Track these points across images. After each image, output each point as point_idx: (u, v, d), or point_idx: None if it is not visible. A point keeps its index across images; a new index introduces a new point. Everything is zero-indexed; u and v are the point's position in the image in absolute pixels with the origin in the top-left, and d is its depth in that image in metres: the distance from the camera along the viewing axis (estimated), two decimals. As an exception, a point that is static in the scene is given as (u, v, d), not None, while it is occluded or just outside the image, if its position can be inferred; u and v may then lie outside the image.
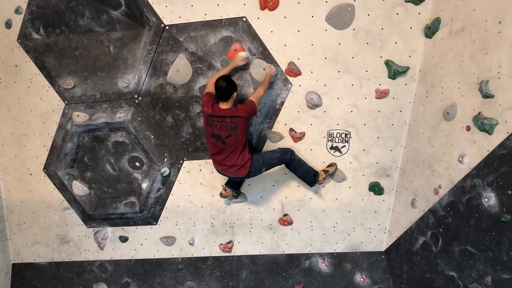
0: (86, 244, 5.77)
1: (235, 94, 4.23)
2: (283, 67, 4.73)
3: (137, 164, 5.29)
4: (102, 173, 5.40)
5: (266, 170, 4.62)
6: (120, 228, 5.63)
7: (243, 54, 4.60)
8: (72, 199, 5.53)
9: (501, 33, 3.33)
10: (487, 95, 3.47)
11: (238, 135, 4.24)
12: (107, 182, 5.45)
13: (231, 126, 4.19)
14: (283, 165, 4.75)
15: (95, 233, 5.67)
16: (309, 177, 4.83)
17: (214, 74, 4.54)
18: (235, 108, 4.21)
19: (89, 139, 5.26)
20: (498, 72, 3.35)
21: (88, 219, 5.60)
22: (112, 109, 5.08)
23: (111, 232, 5.67)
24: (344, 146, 4.98)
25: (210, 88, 4.37)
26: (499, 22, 3.35)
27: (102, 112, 5.09)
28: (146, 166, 5.29)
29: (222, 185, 5.05)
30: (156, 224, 5.54)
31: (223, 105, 4.24)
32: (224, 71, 4.45)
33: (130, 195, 5.47)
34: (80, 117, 5.08)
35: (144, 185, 5.31)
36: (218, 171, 4.62)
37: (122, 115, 5.00)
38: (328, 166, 4.98)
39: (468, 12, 3.77)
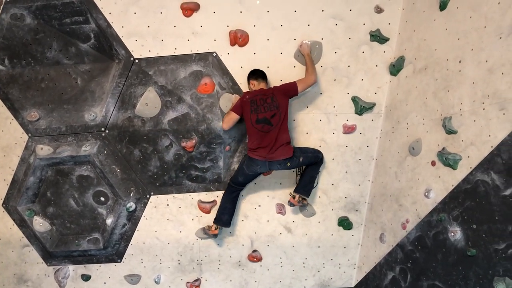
0: (45, 284, 5.49)
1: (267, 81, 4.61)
2: (253, 101, 4.77)
3: (102, 199, 5.14)
4: (65, 208, 5.21)
5: (302, 160, 4.58)
6: (83, 266, 5.40)
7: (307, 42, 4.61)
8: (32, 236, 5.28)
9: (461, 72, 3.46)
10: (450, 131, 3.57)
11: (281, 113, 4.39)
12: (70, 218, 5.25)
13: (274, 105, 4.37)
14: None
15: (55, 272, 5.41)
16: (311, 185, 4.80)
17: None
18: (272, 87, 4.50)
19: (52, 173, 5.09)
20: (460, 109, 3.46)
21: (49, 256, 5.35)
22: (77, 142, 4.95)
23: (72, 270, 5.42)
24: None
25: (229, 111, 4.61)
26: (459, 61, 3.49)
27: (67, 145, 4.96)
28: (111, 201, 5.14)
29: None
30: (120, 261, 5.34)
31: (261, 86, 4.52)
32: None
33: (94, 231, 5.28)
34: (44, 150, 4.92)
35: (109, 221, 5.14)
36: (259, 166, 4.50)
37: (88, 148, 4.88)
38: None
39: (431, 52, 3.93)
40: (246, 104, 4.41)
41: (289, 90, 4.42)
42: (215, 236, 4.99)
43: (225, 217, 4.87)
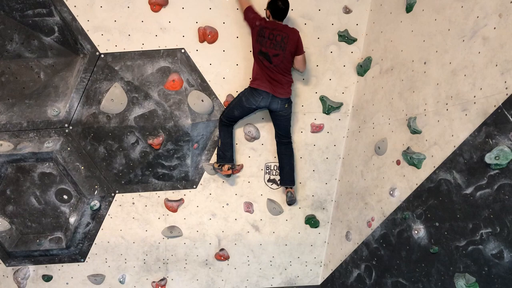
0: (4, 285, 5.29)
1: None
2: (222, 99, 4.74)
3: (65, 197, 4.99)
4: (25, 207, 5.03)
5: (290, 115, 4.62)
6: (44, 266, 5.23)
7: None
8: (-10, 235, 5.09)
9: (426, 73, 3.54)
10: (415, 131, 3.65)
11: (285, 57, 4.24)
12: (31, 217, 5.08)
13: (280, 46, 4.18)
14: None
15: (14, 272, 5.22)
16: (291, 173, 4.82)
17: None
18: (288, 27, 4.26)
19: (12, 170, 4.91)
20: (425, 110, 3.54)
21: (8, 257, 5.16)
22: (39, 138, 4.80)
23: (33, 271, 5.25)
24: (281, 179, 5.01)
25: (248, 3, 4.31)
26: (424, 63, 3.57)
27: (29, 142, 4.79)
28: (74, 199, 5.00)
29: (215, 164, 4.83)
30: (83, 261, 5.20)
31: (276, 20, 4.26)
32: None
33: (56, 230, 5.13)
34: (3, 146, 4.74)
35: (72, 220, 5.00)
36: (262, 97, 4.36)
37: (51, 144, 4.74)
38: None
39: (397, 53, 4.00)
40: (255, 30, 4.25)
41: (299, 48, 4.33)
42: (228, 176, 4.86)
43: (229, 153, 4.75)
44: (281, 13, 4.23)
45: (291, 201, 4.88)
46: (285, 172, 4.82)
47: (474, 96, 3.01)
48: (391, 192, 3.97)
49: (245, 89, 4.51)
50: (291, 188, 4.89)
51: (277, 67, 4.28)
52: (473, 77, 3.03)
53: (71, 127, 4.75)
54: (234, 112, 4.55)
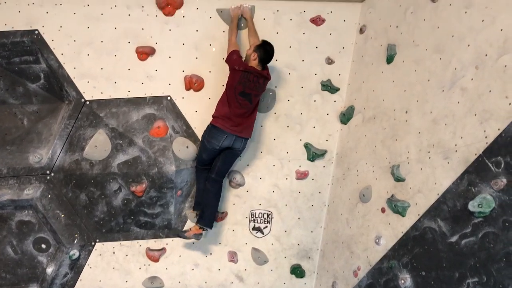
0: None
1: None
2: (206, 146, 4.74)
3: (43, 246, 4.83)
4: (0, 257, 4.85)
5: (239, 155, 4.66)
6: (17, 321, 4.99)
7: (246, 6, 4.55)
8: (-39, 287, 4.86)
9: (408, 122, 3.62)
10: (398, 179, 3.67)
11: (259, 97, 4.47)
12: (6, 267, 4.88)
13: (261, 88, 4.37)
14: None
15: (-15, 328, 4.97)
16: (213, 215, 4.61)
17: (231, 32, 4.47)
18: (265, 71, 4.38)
19: (-11, 218, 4.77)
20: (407, 157, 3.58)
21: (-22, 311, 4.92)
22: (19, 185, 4.69)
23: (5, 326, 5.00)
24: (266, 226, 4.95)
25: (236, 47, 4.38)
26: (406, 112, 3.65)
27: (8, 189, 4.68)
28: (53, 248, 4.84)
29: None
30: (59, 314, 4.98)
31: (257, 66, 4.31)
32: (234, 27, 4.49)
33: (32, 282, 4.92)
34: (-20, 193, 4.63)
35: (49, 270, 4.82)
36: (226, 136, 4.33)
37: (31, 192, 4.64)
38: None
39: (378, 102, 4.10)
40: (237, 73, 4.25)
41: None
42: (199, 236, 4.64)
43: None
44: (268, 58, 4.35)
45: (195, 238, 4.64)
46: (211, 212, 4.60)
47: (455, 145, 3.06)
48: (377, 241, 3.94)
49: (206, 129, 4.49)
50: (207, 230, 4.64)
51: (252, 106, 4.40)
52: (453, 126, 3.10)
53: (52, 174, 4.68)
54: (202, 156, 4.55)
